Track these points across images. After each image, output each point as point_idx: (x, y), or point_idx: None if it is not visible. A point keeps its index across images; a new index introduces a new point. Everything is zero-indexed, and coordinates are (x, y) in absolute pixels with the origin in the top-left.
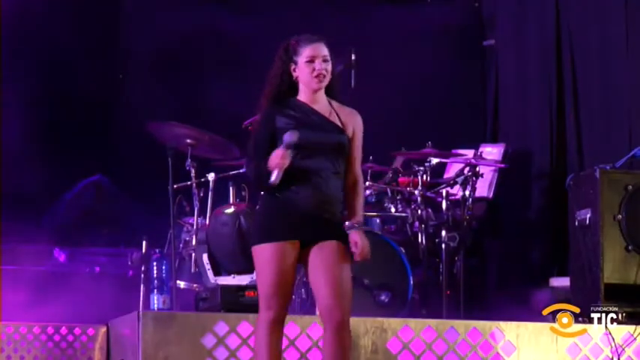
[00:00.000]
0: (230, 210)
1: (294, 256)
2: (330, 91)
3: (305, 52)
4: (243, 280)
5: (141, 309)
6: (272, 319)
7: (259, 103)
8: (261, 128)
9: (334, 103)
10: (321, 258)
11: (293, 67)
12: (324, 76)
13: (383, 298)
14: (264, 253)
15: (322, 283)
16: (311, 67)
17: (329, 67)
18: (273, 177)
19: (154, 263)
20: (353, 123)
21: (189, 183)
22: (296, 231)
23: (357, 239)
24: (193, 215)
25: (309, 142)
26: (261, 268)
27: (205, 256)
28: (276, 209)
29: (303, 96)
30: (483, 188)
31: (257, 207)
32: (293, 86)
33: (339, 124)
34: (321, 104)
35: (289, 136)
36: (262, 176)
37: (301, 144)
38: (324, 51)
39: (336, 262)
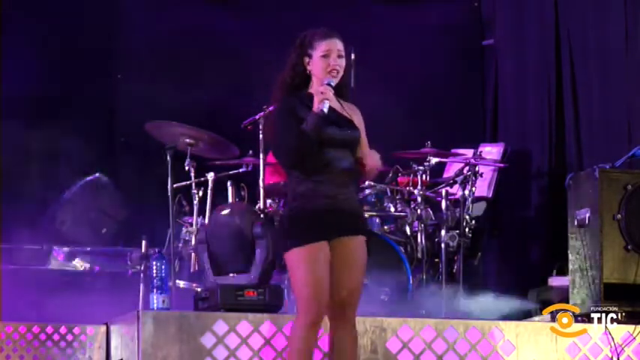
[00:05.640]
0: (226, 211)
1: (327, 255)
2: (339, 91)
3: (320, 47)
4: (242, 279)
5: (140, 308)
6: (310, 322)
7: (273, 94)
8: (284, 119)
9: (340, 100)
10: (348, 255)
11: (307, 60)
12: (338, 72)
13: (382, 297)
14: (298, 257)
15: (345, 279)
16: (326, 62)
17: (343, 62)
18: (325, 108)
19: (154, 263)
20: (358, 117)
21: (188, 182)
22: (325, 231)
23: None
24: (193, 215)
25: (329, 137)
26: (297, 273)
27: (205, 255)
28: (303, 211)
29: (315, 90)
30: (483, 188)
31: (282, 212)
32: (305, 79)
33: (350, 119)
34: (332, 100)
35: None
36: (305, 139)
37: (323, 139)
38: (340, 46)
39: (361, 263)
